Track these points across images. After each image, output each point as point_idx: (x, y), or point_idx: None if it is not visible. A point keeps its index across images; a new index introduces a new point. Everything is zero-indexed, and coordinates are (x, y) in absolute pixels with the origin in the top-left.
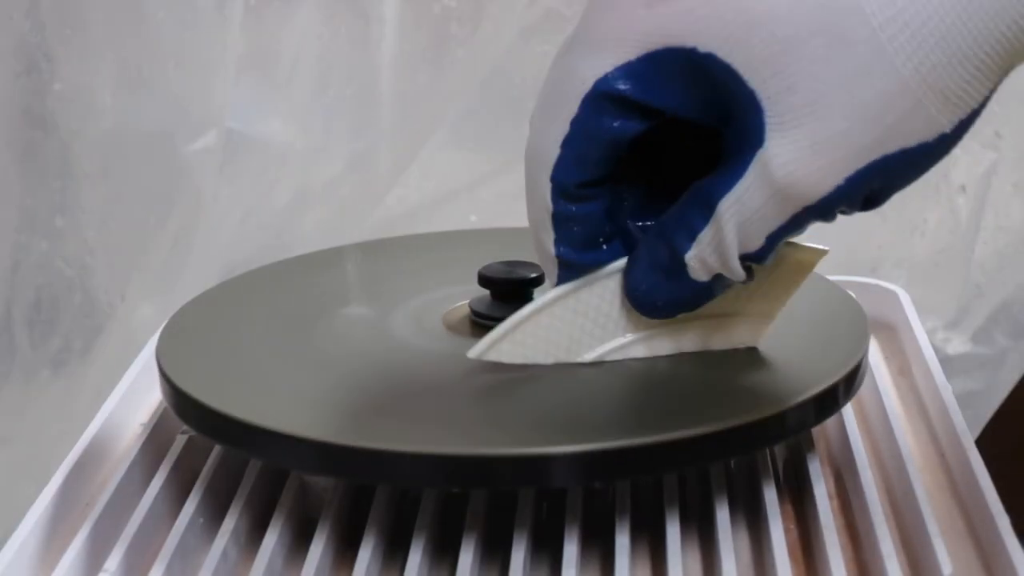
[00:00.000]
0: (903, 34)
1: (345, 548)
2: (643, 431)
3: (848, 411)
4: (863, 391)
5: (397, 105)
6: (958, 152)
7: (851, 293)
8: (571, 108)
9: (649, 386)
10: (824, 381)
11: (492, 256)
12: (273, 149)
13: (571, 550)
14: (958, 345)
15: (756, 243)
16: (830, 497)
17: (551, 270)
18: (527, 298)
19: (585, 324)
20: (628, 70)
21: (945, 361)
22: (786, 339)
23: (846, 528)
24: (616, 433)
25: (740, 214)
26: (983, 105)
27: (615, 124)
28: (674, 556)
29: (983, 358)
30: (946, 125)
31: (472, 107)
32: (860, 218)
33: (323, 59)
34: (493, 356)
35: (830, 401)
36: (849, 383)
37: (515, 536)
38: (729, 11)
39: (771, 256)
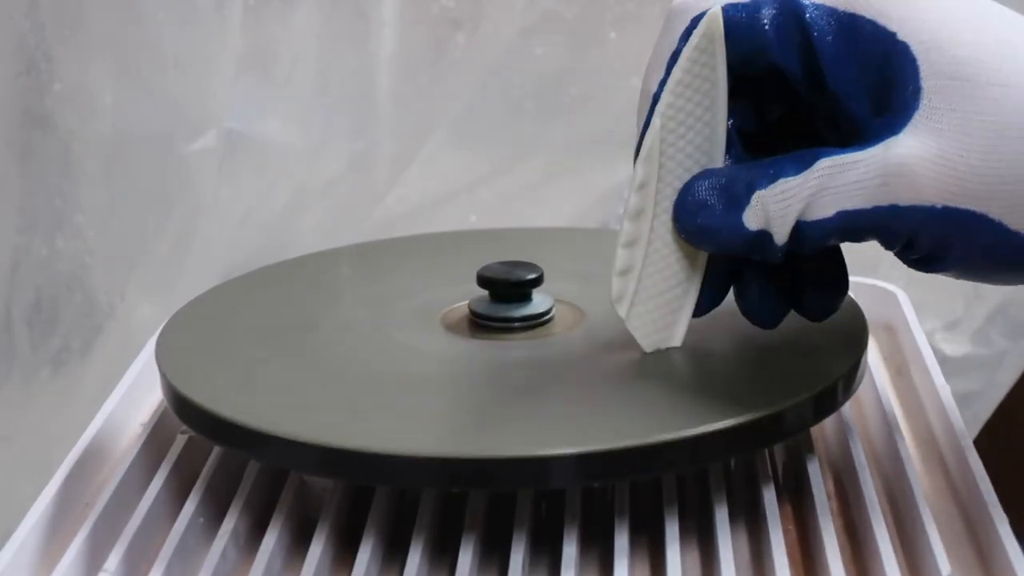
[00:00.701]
0: None
1: (344, 549)
2: (641, 432)
3: (847, 411)
4: (862, 391)
5: (396, 105)
6: None
7: (850, 293)
8: None
9: (647, 387)
10: (822, 381)
11: (491, 256)
12: (272, 149)
13: (570, 551)
14: (957, 346)
15: (823, 211)
16: (829, 498)
17: (641, 116)
18: (526, 298)
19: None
20: (828, 12)
21: (943, 362)
22: (785, 339)
23: (845, 529)
24: (614, 434)
25: (833, 177)
26: None
27: (778, 38)
28: (673, 557)
29: (981, 359)
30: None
31: (471, 107)
32: None
33: (322, 59)
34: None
35: (828, 401)
36: (848, 383)
37: (514, 537)
38: (946, 17)
39: (815, 247)
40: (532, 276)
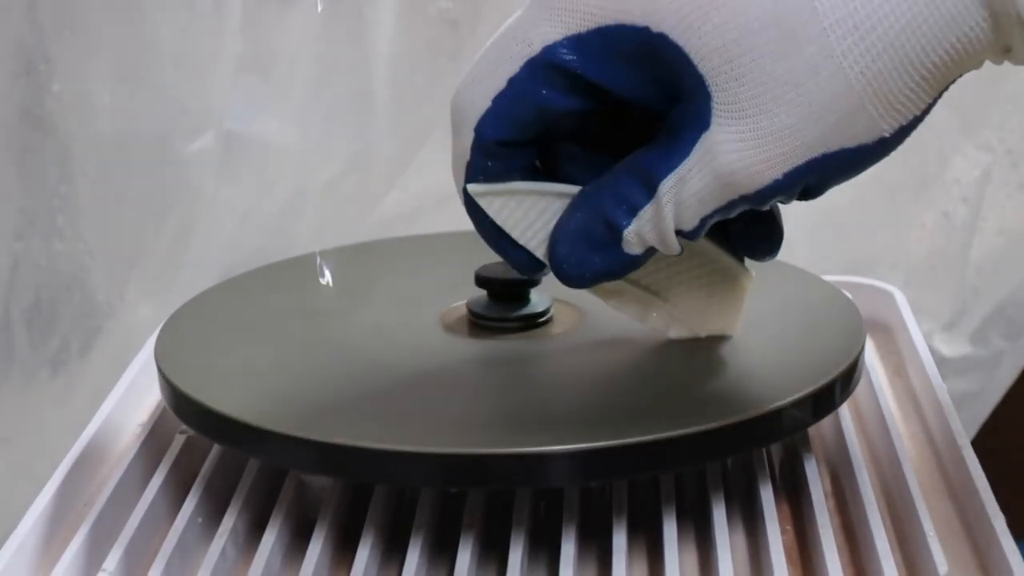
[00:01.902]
0: (852, 36)
1: (343, 547)
2: (639, 430)
3: (844, 411)
4: (859, 391)
5: (394, 106)
6: (954, 154)
7: (847, 293)
8: (513, 67)
9: (645, 385)
10: (820, 380)
11: (489, 257)
12: (271, 150)
13: (568, 549)
14: (955, 347)
15: (690, 224)
16: (826, 497)
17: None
18: (524, 299)
19: None
20: (577, 42)
21: (941, 363)
22: (782, 339)
23: (842, 528)
24: (612, 432)
25: (679, 194)
26: (925, 113)
27: (551, 94)
28: (671, 556)
29: (979, 360)
30: (886, 130)
31: None
32: (856, 220)
33: (320, 60)
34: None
35: (826, 400)
36: (845, 383)
37: (513, 535)
38: None
39: (701, 234)
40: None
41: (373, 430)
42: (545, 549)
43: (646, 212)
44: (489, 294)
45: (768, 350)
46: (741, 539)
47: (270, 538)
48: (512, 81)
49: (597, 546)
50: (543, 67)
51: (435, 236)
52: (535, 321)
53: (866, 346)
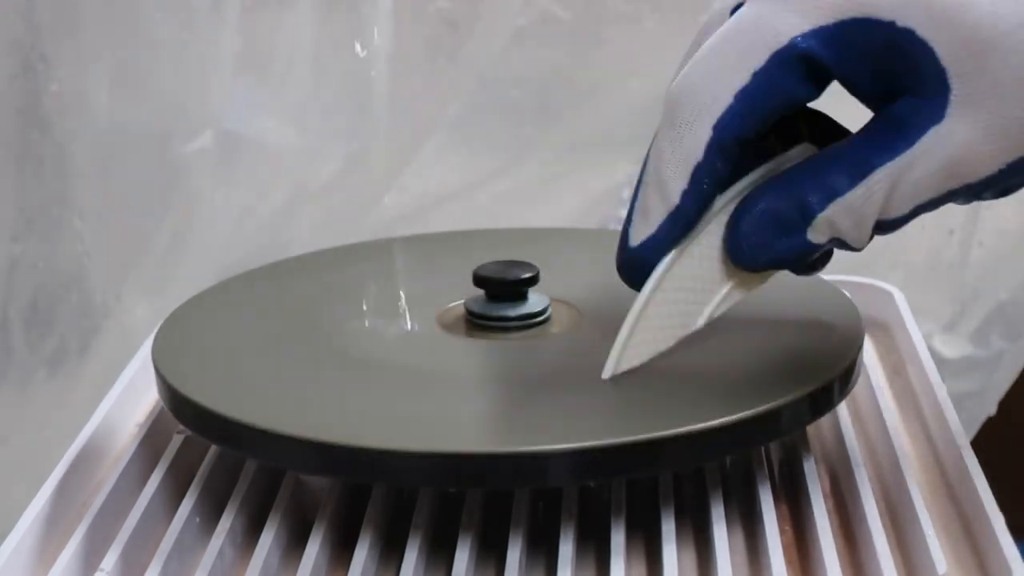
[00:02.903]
0: None
1: (341, 547)
2: (637, 429)
3: (843, 411)
4: (858, 391)
5: (392, 106)
6: None
7: (846, 292)
8: (758, 60)
9: (643, 385)
10: (819, 379)
11: (487, 256)
12: (269, 150)
13: (567, 549)
14: (955, 348)
15: (901, 211)
16: (825, 496)
17: (656, 216)
18: (522, 298)
19: (687, 296)
20: (824, 34)
21: (941, 364)
22: (781, 337)
23: (841, 528)
24: (611, 432)
25: (895, 183)
26: None
27: (798, 86)
28: (669, 556)
29: (979, 360)
30: None
31: (469, 108)
32: None
33: (318, 60)
34: (625, 367)
35: (825, 399)
36: (844, 381)
37: (511, 535)
38: None
39: (903, 225)
40: (528, 275)
41: (370, 430)
42: (543, 549)
43: (846, 199)
44: (487, 294)
45: (766, 349)
46: (740, 539)
47: (268, 538)
48: (758, 75)
49: (595, 546)
50: (793, 59)
51: (432, 236)
52: (533, 321)
53: (865, 345)
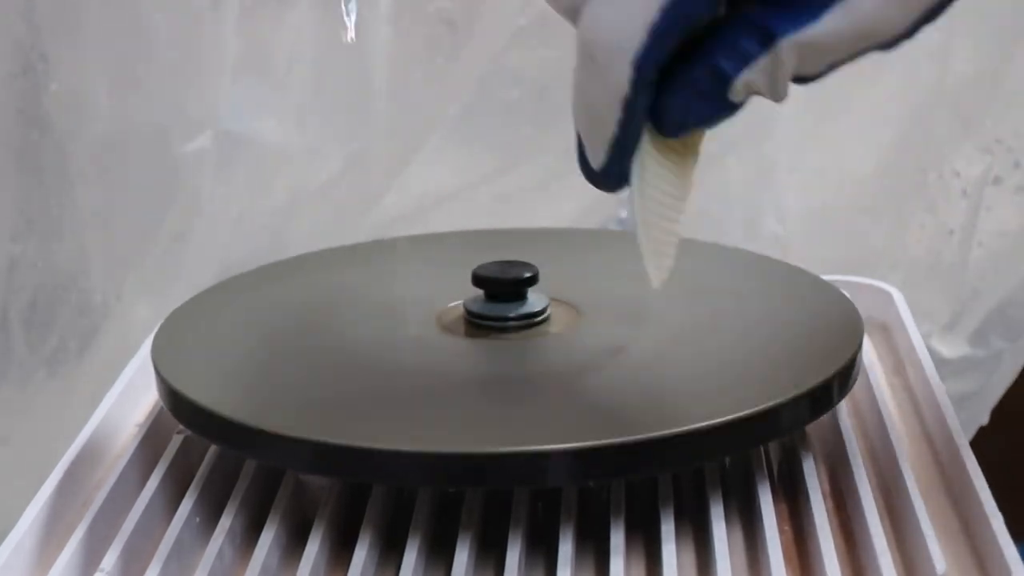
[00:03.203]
0: None
1: (341, 547)
2: (637, 429)
3: (842, 410)
4: (857, 390)
5: (392, 107)
6: (954, 155)
7: (845, 292)
8: None
9: (642, 385)
10: (818, 379)
11: (487, 256)
12: (268, 150)
13: (566, 549)
14: (955, 349)
15: (814, 69)
16: (824, 496)
17: (601, 146)
18: (521, 298)
19: (667, 185)
20: None
21: (941, 364)
22: (780, 337)
23: (840, 527)
24: (610, 431)
25: (804, 49)
26: None
27: (702, 6)
28: (669, 555)
29: (978, 361)
30: None
31: (468, 109)
32: (854, 223)
33: (318, 60)
34: (665, 271)
35: (824, 398)
36: (843, 381)
37: (510, 535)
38: None
39: (821, 78)
40: (527, 275)
41: (370, 430)
42: (543, 549)
43: (758, 63)
44: (486, 294)
45: (766, 348)
46: (739, 538)
47: (267, 538)
48: (665, 9)
49: (595, 546)
50: None
51: (431, 236)
52: (532, 321)
53: (864, 345)
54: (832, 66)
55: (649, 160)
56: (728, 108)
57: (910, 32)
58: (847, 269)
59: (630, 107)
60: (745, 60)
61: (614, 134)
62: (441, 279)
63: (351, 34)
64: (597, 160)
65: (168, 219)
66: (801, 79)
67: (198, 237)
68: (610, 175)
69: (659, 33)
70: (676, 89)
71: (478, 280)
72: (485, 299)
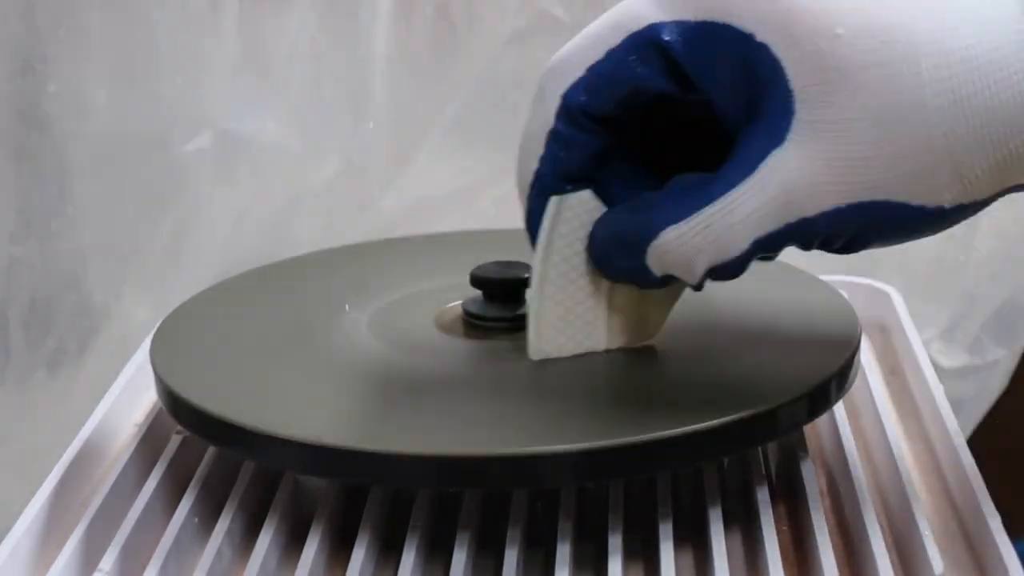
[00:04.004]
0: (946, 98)
1: (339, 548)
2: (635, 430)
3: (840, 411)
4: (855, 391)
5: (391, 107)
6: None
7: (843, 293)
8: (614, 39)
9: (640, 386)
10: (816, 379)
11: (485, 257)
12: (267, 150)
13: (564, 550)
14: (954, 358)
15: (738, 247)
16: (822, 497)
17: (526, 181)
18: (520, 298)
19: (578, 293)
20: (682, 28)
21: (939, 370)
22: (777, 338)
23: (838, 527)
24: (608, 432)
25: (732, 214)
26: (984, 204)
27: (646, 71)
28: (667, 556)
29: (977, 366)
30: (948, 201)
31: (468, 109)
32: None
33: (317, 60)
34: (547, 351)
35: (822, 399)
36: (840, 381)
37: (508, 536)
38: (798, 11)
39: (742, 270)
40: (526, 276)
41: (368, 431)
42: (541, 549)
43: (675, 230)
44: (485, 294)
45: (763, 349)
46: (737, 539)
47: (266, 538)
48: (610, 53)
49: (593, 547)
50: (644, 43)
51: (430, 236)
52: None
53: (862, 345)
54: (758, 244)
55: (562, 233)
56: (642, 272)
57: (839, 218)
58: (845, 269)
59: (551, 140)
60: (665, 223)
61: (535, 170)
62: (440, 279)
63: None
64: (521, 198)
65: (167, 220)
66: (720, 269)
67: (197, 237)
68: (530, 218)
69: (595, 71)
70: (605, 229)
71: (477, 281)
72: (484, 300)
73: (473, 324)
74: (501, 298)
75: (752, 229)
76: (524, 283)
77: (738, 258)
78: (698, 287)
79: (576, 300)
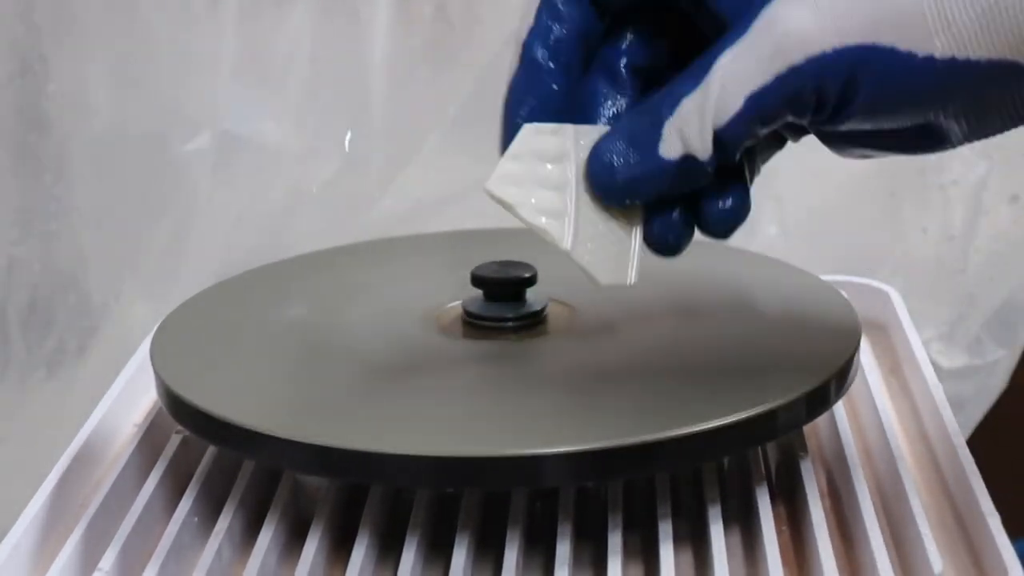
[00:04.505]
0: None
1: (339, 547)
2: (634, 431)
3: (839, 410)
4: (854, 390)
5: (391, 107)
6: (952, 161)
7: (843, 292)
8: None
9: (640, 386)
10: (815, 379)
11: (485, 256)
12: (267, 150)
13: (564, 550)
14: (954, 359)
15: (732, 107)
16: (821, 496)
17: (512, 64)
18: (520, 298)
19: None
20: None
21: (939, 370)
22: (777, 338)
23: (837, 527)
24: (608, 433)
25: (730, 72)
26: (981, 86)
27: None
28: (666, 556)
29: (977, 367)
30: (938, 49)
31: (468, 110)
32: (854, 229)
33: (317, 61)
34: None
35: (821, 399)
36: (840, 381)
37: (508, 535)
38: None
39: (739, 146)
40: (526, 276)
41: (368, 431)
42: (541, 549)
43: (691, 99)
44: (485, 294)
45: (763, 349)
46: (737, 539)
47: (266, 538)
48: None
49: (593, 546)
50: None
51: (430, 236)
52: (530, 321)
53: (862, 345)
54: (751, 101)
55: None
56: (657, 166)
57: (830, 64)
58: (844, 269)
59: (545, 10)
60: (678, 98)
61: (524, 41)
62: (440, 279)
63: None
64: (508, 74)
65: (166, 220)
66: (722, 133)
67: (197, 237)
68: (514, 88)
69: None
70: (614, 134)
71: (477, 280)
72: (484, 299)
73: (473, 324)
74: (501, 298)
75: (745, 84)
76: (524, 283)
77: (735, 119)
78: (708, 170)
79: (609, 229)
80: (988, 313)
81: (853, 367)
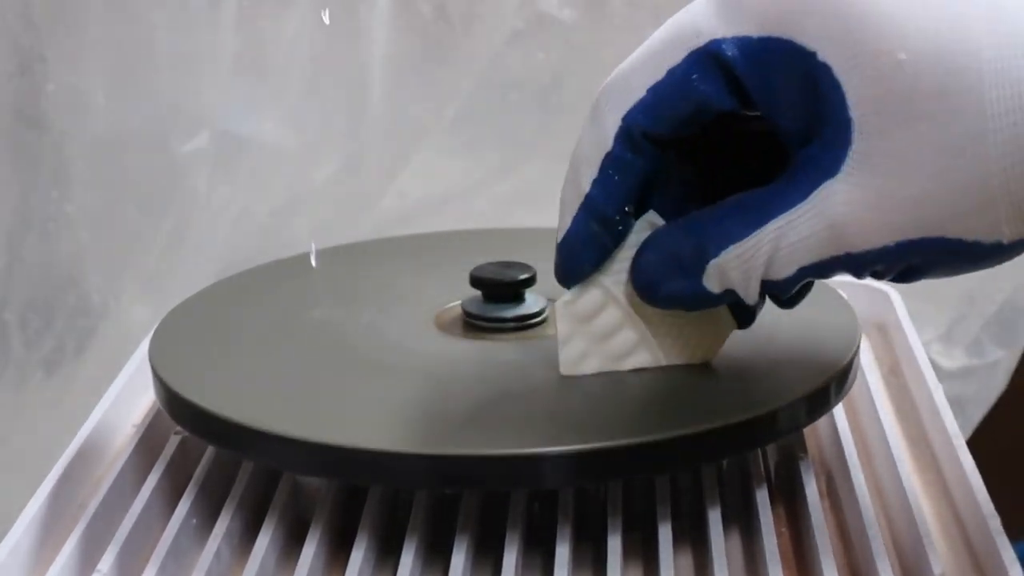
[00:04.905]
0: (1008, 133)
1: (338, 549)
2: (634, 432)
3: (839, 412)
4: (854, 392)
5: (390, 107)
6: None
7: (842, 293)
8: (675, 57)
9: (640, 387)
10: (815, 381)
11: (485, 257)
12: (266, 150)
13: (563, 551)
14: (953, 360)
15: (784, 272)
16: (821, 498)
17: (570, 207)
18: (519, 299)
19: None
20: (744, 43)
21: (939, 372)
22: (776, 339)
23: (837, 529)
24: (607, 434)
25: (783, 237)
26: None
27: (712, 89)
28: (666, 557)
29: (977, 368)
30: (1006, 236)
31: (467, 110)
32: None
33: (316, 60)
34: (573, 369)
35: (821, 401)
36: (840, 383)
37: (507, 537)
38: (861, 31)
39: (791, 290)
40: (525, 276)
41: (367, 431)
42: (540, 551)
43: (737, 248)
44: (484, 295)
45: (763, 351)
46: (737, 541)
47: (264, 539)
48: (672, 72)
49: (592, 547)
50: (706, 60)
51: (429, 236)
52: (530, 322)
53: (862, 346)
54: (803, 272)
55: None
56: (699, 293)
57: (888, 255)
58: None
59: (606, 164)
60: (726, 241)
61: (587, 193)
62: (439, 279)
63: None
64: (562, 229)
65: (165, 219)
66: (771, 285)
67: (196, 237)
68: (567, 249)
69: (658, 91)
70: (657, 252)
71: (476, 281)
72: (483, 300)
73: (472, 324)
74: (500, 298)
75: (799, 256)
76: (523, 283)
77: (785, 280)
78: (752, 302)
79: (622, 318)
80: (988, 314)
81: (853, 369)
